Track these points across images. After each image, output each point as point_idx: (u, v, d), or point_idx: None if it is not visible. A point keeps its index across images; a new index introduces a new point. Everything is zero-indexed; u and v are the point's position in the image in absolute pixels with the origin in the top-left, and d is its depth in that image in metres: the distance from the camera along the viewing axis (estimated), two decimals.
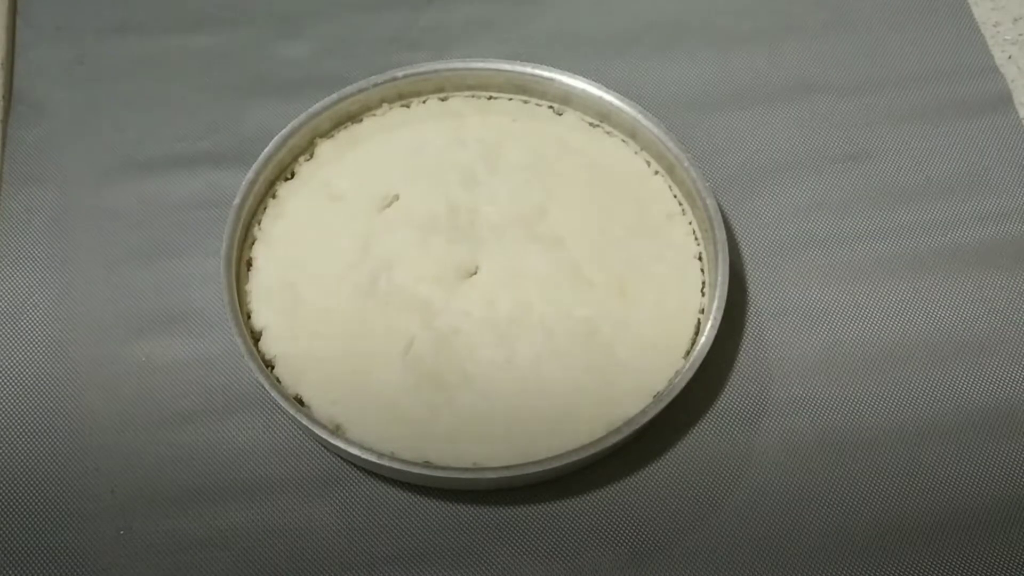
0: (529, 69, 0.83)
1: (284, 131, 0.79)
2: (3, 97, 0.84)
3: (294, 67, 0.88)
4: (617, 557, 0.71)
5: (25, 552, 0.70)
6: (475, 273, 0.77)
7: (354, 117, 0.83)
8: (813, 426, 0.75)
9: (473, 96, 0.84)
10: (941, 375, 0.76)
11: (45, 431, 0.73)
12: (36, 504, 0.71)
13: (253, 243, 0.78)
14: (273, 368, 0.73)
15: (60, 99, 0.85)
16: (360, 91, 0.82)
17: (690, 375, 0.71)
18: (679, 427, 0.74)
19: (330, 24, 0.90)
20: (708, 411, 0.75)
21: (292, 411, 0.70)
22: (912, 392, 0.76)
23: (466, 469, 0.70)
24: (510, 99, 0.84)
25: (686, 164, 0.78)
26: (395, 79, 0.82)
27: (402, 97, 0.83)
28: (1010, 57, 0.89)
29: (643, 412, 0.71)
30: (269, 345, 0.74)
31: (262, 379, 0.71)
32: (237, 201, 0.76)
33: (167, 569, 0.70)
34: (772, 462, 0.74)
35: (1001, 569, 0.71)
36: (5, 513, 0.71)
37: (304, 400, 0.73)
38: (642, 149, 0.81)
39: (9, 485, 0.72)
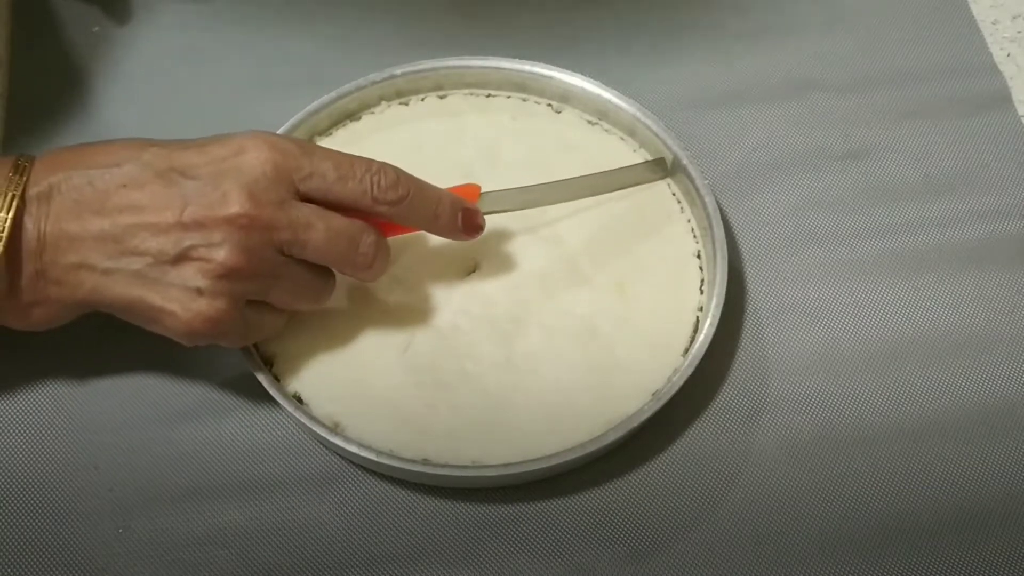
0: (528, 67, 0.82)
1: (282, 129, 0.78)
2: (3, 95, 0.83)
3: (293, 65, 0.87)
4: (616, 555, 0.70)
5: (24, 550, 0.69)
6: (474, 271, 0.76)
7: (352, 115, 0.82)
8: (812, 424, 0.74)
9: (472, 94, 0.83)
10: (940, 372, 0.75)
11: (44, 430, 0.72)
12: (35, 502, 0.70)
13: None
14: (272, 365, 0.72)
15: (59, 99, 0.84)
16: (358, 89, 0.81)
17: (688, 373, 0.71)
18: (678, 425, 0.73)
19: (329, 23, 0.88)
20: (707, 409, 0.74)
21: (291, 409, 0.69)
22: (911, 389, 0.75)
23: (465, 467, 0.69)
24: (509, 97, 0.83)
25: (685, 162, 0.77)
26: (394, 77, 0.82)
27: (401, 95, 0.82)
28: (1009, 55, 0.88)
29: (641, 410, 0.70)
30: (268, 343, 0.73)
31: (261, 376, 0.70)
32: None
33: (166, 567, 0.69)
34: (771, 460, 0.73)
35: (1001, 566, 0.70)
36: (4, 511, 0.70)
37: (303, 398, 0.72)
38: (641, 147, 0.81)
39: (8, 483, 0.71)
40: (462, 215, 0.71)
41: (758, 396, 0.74)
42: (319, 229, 0.66)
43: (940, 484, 0.72)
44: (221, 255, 0.64)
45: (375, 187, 0.67)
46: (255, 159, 0.65)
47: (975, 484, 0.72)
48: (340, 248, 0.67)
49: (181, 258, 0.64)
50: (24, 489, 0.71)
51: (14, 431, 0.72)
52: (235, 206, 0.64)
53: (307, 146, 0.68)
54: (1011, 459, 0.73)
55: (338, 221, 0.67)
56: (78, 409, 0.73)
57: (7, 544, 0.69)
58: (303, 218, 0.66)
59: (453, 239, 0.72)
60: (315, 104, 0.79)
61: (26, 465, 0.71)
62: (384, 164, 0.68)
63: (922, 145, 0.84)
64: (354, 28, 0.88)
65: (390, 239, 0.71)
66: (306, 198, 0.66)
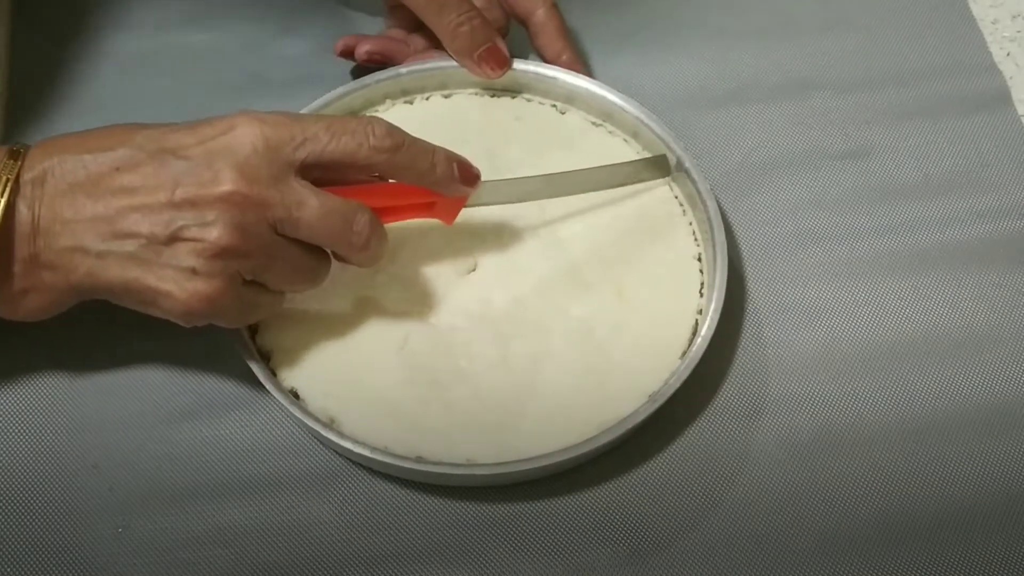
0: (533, 67, 0.81)
1: None
2: (3, 95, 0.82)
3: (294, 65, 0.85)
4: (615, 555, 0.69)
5: (23, 550, 0.68)
6: (473, 270, 0.74)
7: (357, 112, 0.80)
8: (811, 423, 0.72)
9: (477, 94, 0.82)
10: (939, 372, 0.74)
11: (43, 429, 0.71)
12: (35, 502, 0.69)
13: None
14: (269, 359, 0.71)
15: (59, 97, 0.83)
16: (363, 86, 0.80)
17: (685, 376, 0.69)
18: (677, 424, 0.72)
19: (329, 21, 0.87)
20: (706, 408, 0.73)
21: (286, 403, 0.68)
22: (910, 389, 0.74)
23: (458, 465, 0.68)
24: (513, 97, 0.82)
25: (688, 165, 0.76)
26: (399, 75, 0.80)
27: (406, 93, 0.81)
28: (1008, 54, 0.87)
29: (636, 412, 0.69)
30: (266, 338, 0.72)
31: (257, 371, 0.69)
32: None
33: (165, 567, 0.68)
34: (770, 459, 0.71)
35: (999, 566, 0.69)
36: (3, 511, 0.69)
37: (299, 393, 0.70)
38: (645, 149, 0.79)
39: (8, 483, 0.69)
40: (458, 166, 0.69)
41: (757, 395, 0.73)
42: (312, 206, 0.65)
43: (940, 484, 0.71)
44: (214, 234, 0.63)
45: (371, 136, 0.66)
46: (245, 135, 0.64)
47: (975, 484, 0.71)
48: (334, 226, 0.66)
49: (174, 238, 0.63)
50: (24, 488, 0.69)
51: (14, 430, 0.71)
52: (227, 184, 0.63)
53: (297, 115, 0.67)
54: (1011, 459, 0.71)
55: (332, 200, 0.66)
56: (77, 408, 0.72)
57: (7, 543, 0.68)
58: (296, 195, 0.65)
59: (450, 193, 0.70)
60: (319, 101, 0.78)
61: (25, 464, 0.70)
62: (374, 117, 0.67)
63: (922, 145, 0.82)
64: (355, 28, 0.87)
65: (389, 231, 0.69)
66: (304, 167, 0.65)
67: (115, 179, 0.64)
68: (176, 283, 0.63)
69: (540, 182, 0.74)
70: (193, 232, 0.63)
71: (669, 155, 0.77)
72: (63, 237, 0.64)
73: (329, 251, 0.68)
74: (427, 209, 0.71)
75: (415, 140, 0.68)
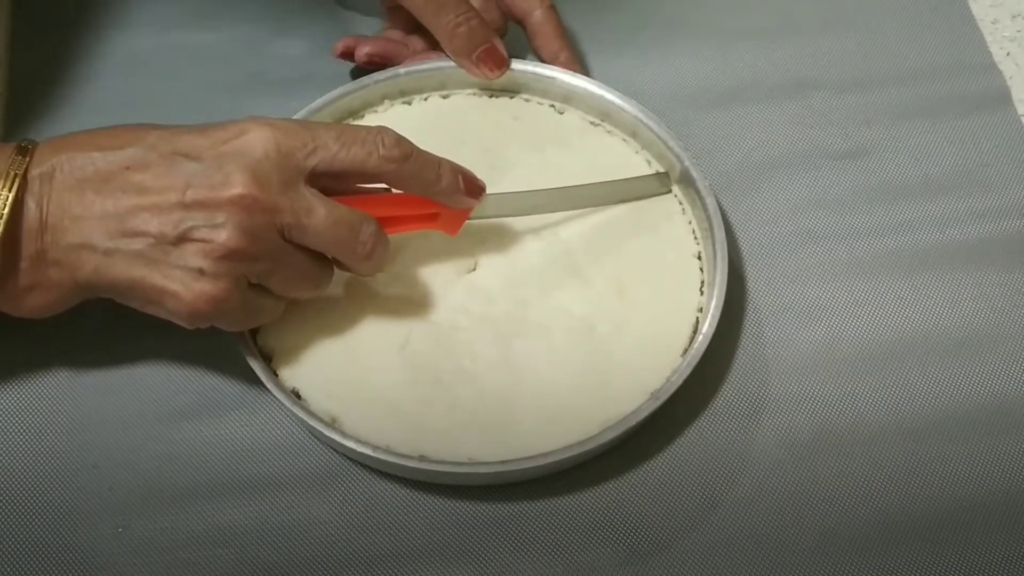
0: (531, 67, 0.80)
1: None
2: (3, 95, 0.82)
3: (292, 65, 0.85)
4: (615, 554, 0.68)
5: (23, 550, 0.67)
6: (474, 269, 0.74)
7: (355, 113, 0.80)
8: (811, 423, 0.72)
9: (475, 94, 0.81)
10: (939, 372, 0.74)
11: (43, 429, 0.71)
12: (34, 502, 0.69)
13: None
14: (271, 360, 0.71)
15: (59, 97, 0.83)
16: (362, 87, 0.79)
17: (687, 373, 0.69)
18: (678, 424, 0.72)
19: (328, 22, 0.87)
20: (707, 408, 0.73)
21: (288, 404, 0.68)
22: (910, 388, 0.73)
23: (461, 464, 0.67)
24: (511, 97, 0.81)
25: (687, 164, 0.76)
26: (397, 75, 0.80)
27: (404, 94, 0.81)
28: (1008, 54, 0.87)
29: (638, 410, 0.68)
30: (267, 338, 0.71)
31: (259, 371, 0.69)
32: None
33: (165, 566, 0.67)
34: (771, 459, 0.71)
35: (999, 566, 0.68)
36: (3, 511, 0.68)
37: (301, 393, 0.70)
38: (643, 148, 0.79)
39: (7, 483, 0.69)
40: (463, 179, 0.70)
41: (758, 395, 0.73)
42: (320, 214, 0.65)
43: (940, 483, 0.70)
44: (223, 236, 0.63)
45: (380, 146, 0.66)
46: (258, 140, 0.64)
47: (975, 483, 0.70)
48: (341, 235, 0.66)
49: (183, 239, 0.63)
50: (23, 488, 0.69)
51: (13, 430, 0.71)
52: (238, 187, 0.63)
53: (308, 123, 0.67)
54: (1011, 458, 0.71)
55: (340, 209, 0.66)
56: (77, 408, 0.71)
57: (6, 543, 0.67)
58: (305, 202, 0.65)
59: (455, 205, 0.70)
60: (318, 102, 0.78)
61: (25, 464, 0.70)
62: (382, 127, 0.67)
63: (922, 144, 0.82)
64: (353, 28, 0.87)
65: (391, 239, 0.69)
66: (314, 175, 0.65)
67: (125, 178, 0.64)
68: (183, 283, 0.63)
69: (543, 196, 0.74)
70: (202, 233, 0.63)
71: (668, 154, 0.76)
72: (71, 233, 0.63)
73: (331, 259, 0.68)
74: (431, 220, 0.71)
75: (421, 151, 0.68)
